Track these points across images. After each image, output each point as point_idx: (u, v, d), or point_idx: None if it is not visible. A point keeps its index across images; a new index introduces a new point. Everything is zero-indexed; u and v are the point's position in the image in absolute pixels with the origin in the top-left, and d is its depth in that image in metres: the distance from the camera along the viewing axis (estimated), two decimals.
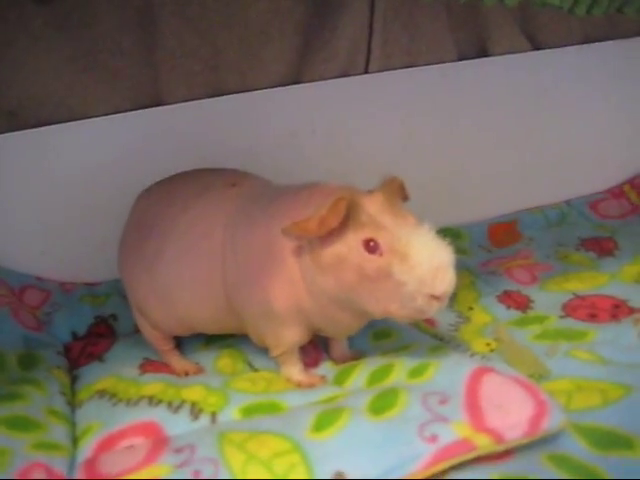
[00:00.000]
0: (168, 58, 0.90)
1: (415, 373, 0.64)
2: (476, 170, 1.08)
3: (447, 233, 1.02)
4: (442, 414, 0.57)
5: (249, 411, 0.62)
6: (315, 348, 0.75)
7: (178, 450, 0.56)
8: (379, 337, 0.75)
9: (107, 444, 0.59)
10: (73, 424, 0.63)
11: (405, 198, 0.64)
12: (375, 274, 0.59)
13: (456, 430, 0.55)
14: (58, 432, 0.60)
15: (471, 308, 0.86)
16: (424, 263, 0.58)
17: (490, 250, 1.03)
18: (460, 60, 1.03)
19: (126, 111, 0.89)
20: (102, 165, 0.90)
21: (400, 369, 0.65)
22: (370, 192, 0.62)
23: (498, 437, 0.55)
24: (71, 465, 0.57)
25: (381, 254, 0.59)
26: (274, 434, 0.57)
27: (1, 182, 0.86)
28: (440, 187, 1.06)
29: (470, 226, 1.07)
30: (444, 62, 1.02)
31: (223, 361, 0.73)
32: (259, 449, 0.55)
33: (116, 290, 0.88)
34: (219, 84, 0.93)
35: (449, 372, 0.62)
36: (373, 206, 0.61)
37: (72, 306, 0.85)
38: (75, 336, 0.81)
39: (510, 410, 0.57)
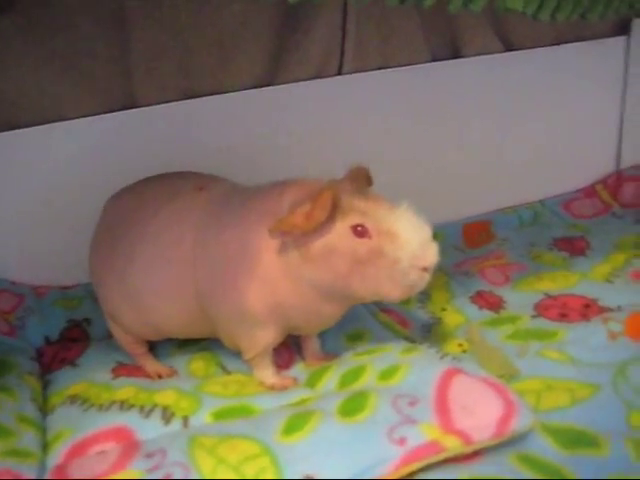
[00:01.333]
0: (141, 61, 0.90)
1: (386, 375, 0.64)
2: (450, 170, 1.08)
3: None
4: (411, 416, 0.58)
5: (221, 415, 0.62)
6: (287, 349, 0.75)
7: (149, 455, 0.56)
8: (352, 339, 0.76)
9: (78, 450, 0.59)
10: (44, 430, 0.63)
11: (369, 183, 0.66)
12: (367, 257, 0.61)
13: (425, 432, 0.56)
14: (28, 439, 0.60)
15: (444, 309, 0.87)
16: (414, 239, 0.62)
17: (464, 250, 1.04)
18: (433, 61, 1.04)
19: (99, 114, 0.88)
20: (75, 168, 0.89)
21: (371, 371, 0.66)
22: (337, 181, 0.64)
23: (467, 438, 0.56)
24: (40, 471, 0.57)
25: (370, 237, 0.61)
26: (244, 438, 0.57)
27: None
28: (415, 187, 1.04)
29: (445, 226, 1.08)
30: (417, 63, 1.02)
31: (196, 364, 0.73)
32: (229, 453, 0.55)
33: (89, 294, 0.88)
34: (192, 87, 0.92)
35: (419, 374, 0.63)
36: (345, 194, 0.63)
37: (45, 310, 0.84)
38: (48, 340, 0.81)
39: (479, 411, 0.58)
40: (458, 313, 0.85)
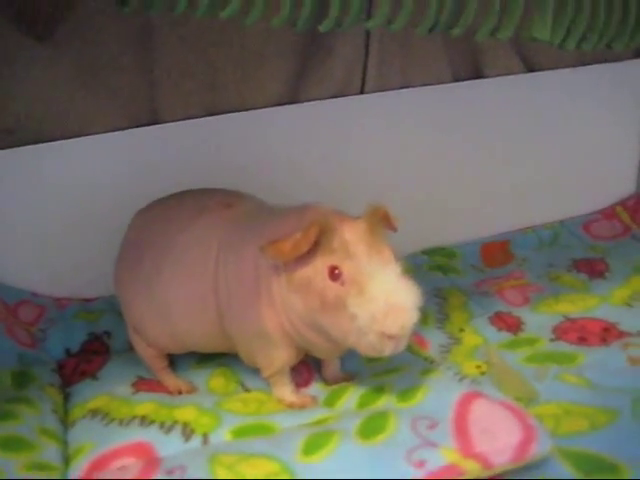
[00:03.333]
0: (165, 77, 0.91)
1: (405, 397, 0.65)
2: (470, 190, 1.08)
3: (440, 253, 1.06)
4: (431, 439, 0.58)
5: (241, 432, 0.63)
6: (307, 368, 0.75)
7: (169, 471, 0.56)
8: (372, 359, 0.76)
9: (99, 465, 0.59)
10: (65, 443, 0.63)
11: (391, 227, 0.64)
12: (333, 303, 0.59)
13: (444, 455, 0.56)
14: (50, 452, 0.60)
15: (462, 329, 0.87)
16: (379, 299, 0.58)
17: (483, 270, 1.04)
18: (455, 81, 1.04)
19: (123, 129, 0.90)
20: (98, 182, 0.90)
21: (390, 392, 0.66)
22: (355, 219, 0.63)
23: (486, 462, 0.56)
24: None
25: (342, 283, 0.60)
26: (264, 456, 0.57)
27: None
28: (434, 206, 1.07)
29: (463, 246, 1.08)
30: (439, 83, 1.03)
31: (216, 381, 0.73)
32: (249, 471, 0.55)
33: (111, 307, 0.89)
34: (215, 103, 0.93)
35: (438, 396, 0.63)
36: (351, 233, 0.61)
37: (66, 322, 0.85)
38: (68, 353, 0.81)
39: (498, 435, 0.58)
40: (476, 334, 0.85)
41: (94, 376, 0.74)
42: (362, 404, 0.66)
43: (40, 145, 0.87)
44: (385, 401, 0.65)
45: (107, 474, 0.58)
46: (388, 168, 1.02)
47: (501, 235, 1.11)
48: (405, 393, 0.65)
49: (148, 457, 0.59)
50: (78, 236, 0.91)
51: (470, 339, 0.84)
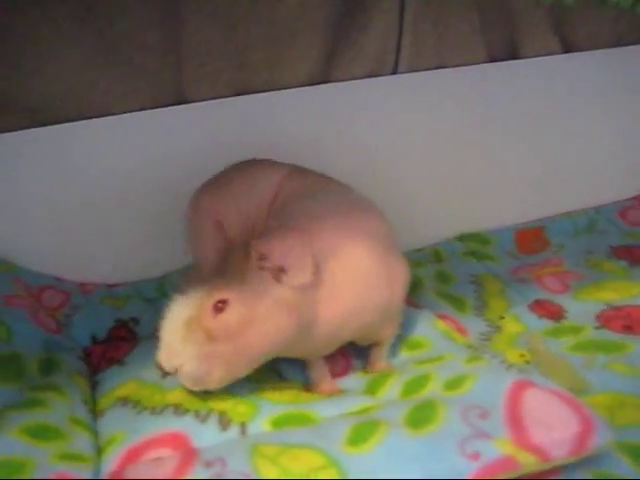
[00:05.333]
0: (192, 55, 0.87)
1: (452, 385, 0.61)
2: (504, 175, 1.05)
3: (474, 239, 1.02)
4: (483, 429, 0.55)
5: (280, 422, 0.59)
6: (344, 357, 0.72)
7: (208, 464, 0.53)
8: (411, 347, 0.73)
9: (133, 455, 0.56)
10: (96, 433, 0.60)
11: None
12: None
13: (499, 447, 0.53)
14: (82, 442, 0.57)
15: (502, 317, 0.83)
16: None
17: (518, 257, 1.00)
18: (490, 62, 1.01)
19: (149, 108, 0.86)
20: (123, 163, 0.87)
21: (436, 380, 0.63)
22: None
23: (543, 455, 0.53)
24: (96, 477, 0.54)
25: None
26: (307, 448, 0.54)
27: (20, 179, 0.83)
28: (467, 191, 1.03)
29: (496, 232, 1.05)
30: (474, 64, 0.99)
31: None
32: (293, 464, 0.52)
33: (137, 292, 0.86)
34: (244, 82, 0.90)
35: (488, 385, 0.60)
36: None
37: (92, 308, 0.82)
38: (95, 340, 0.78)
39: (554, 426, 0.55)
40: (517, 322, 0.82)
41: (121, 362, 0.71)
42: (406, 393, 0.63)
43: (63, 125, 0.83)
44: (431, 390, 0.62)
45: (142, 466, 0.54)
46: (421, 151, 0.99)
47: (536, 221, 1.07)
48: (452, 382, 0.62)
49: (184, 448, 0.56)
50: (101, 219, 0.88)
51: (511, 327, 0.81)
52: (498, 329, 0.81)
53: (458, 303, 0.86)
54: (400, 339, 0.73)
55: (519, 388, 0.58)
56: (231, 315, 0.56)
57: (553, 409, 0.56)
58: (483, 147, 1.03)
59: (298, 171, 0.75)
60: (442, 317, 0.79)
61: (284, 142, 0.90)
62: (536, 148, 1.06)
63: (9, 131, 0.82)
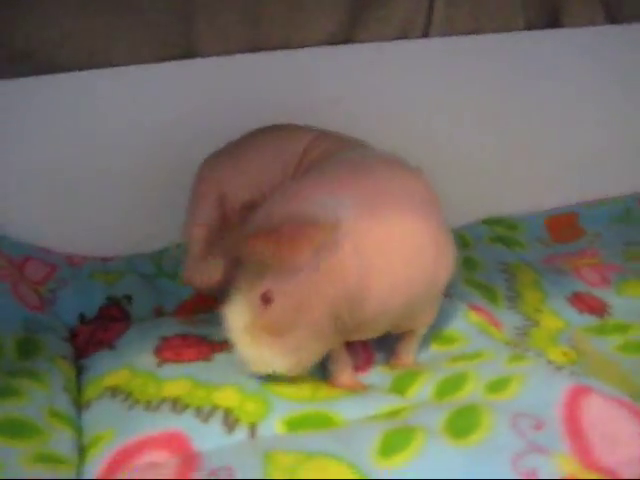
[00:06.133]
0: (204, 6, 0.78)
1: (495, 387, 0.53)
2: (535, 154, 0.96)
3: (502, 223, 0.94)
4: (538, 443, 0.46)
5: (296, 424, 0.51)
6: (365, 349, 0.63)
7: (213, 472, 0.45)
8: (442, 342, 0.64)
9: (123, 458, 0.47)
10: (79, 430, 0.52)
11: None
12: None
13: (559, 464, 0.44)
14: (61, 440, 0.48)
15: (539, 310, 0.75)
16: None
17: (549, 245, 0.92)
18: (528, 29, 0.92)
19: (154, 62, 0.77)
20: (121, 123, 0.78)
21: (475, 381, 0.54)
22: None
23: (611, 476, 0.44)
24: None
25: None
26: (332, 457, 0.46)
27: (6, 134, 0.74)
28: (495, 171, 0.95)
29: (525, 217, 0.96)
30: (511, 30, 0.90)
31: None
32: (316, 477, 0.43)
33: (132, 267, 0.77)
34: (259, 39, 0.81)
35: (539, 390, 0.51)
36: None
37: (81, 283, 0.73)
38: (83, 319, 0.69)
39: (622, 442, 0.46)
40: (555, 316, 0.73)
41: (111, 345, 0.62)
42: (440, 394, 0.54)
43: (58, 75, 0.74)
44: (469, 392, 0.53)
45: (133, 472, 0.46)
46: (448, 122, 0.90)
47: (567, 208, 0.98)
48: (495, 383, 0.53)
49: (184, 452, 0.48)
50: (95, 185, 0.79)
51: (549, 321, 0.73)
52: (535, 323, 0.72)
53: (489, 293, 0.77)
54: (429, 332, 0.64)
55: (577, 394, 0.49)
56: (280, 302, 0.51)
57: (619, 421, 0.48)
58: (514, 122, 0.94)
59: (325, 135, 0.66)
60: (475, 308, 0.70)
61: (300, 106, 0.81)
62: (571, 127, 0.97)
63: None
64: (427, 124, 0.88)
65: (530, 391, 0.51)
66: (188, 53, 0.79)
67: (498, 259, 0.85)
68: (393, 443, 0.46)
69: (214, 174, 0.66)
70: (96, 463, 0.47)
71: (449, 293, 0.72)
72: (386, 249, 0.52)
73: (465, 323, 0.66)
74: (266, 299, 0.51)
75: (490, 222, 0.94)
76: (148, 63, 0.76)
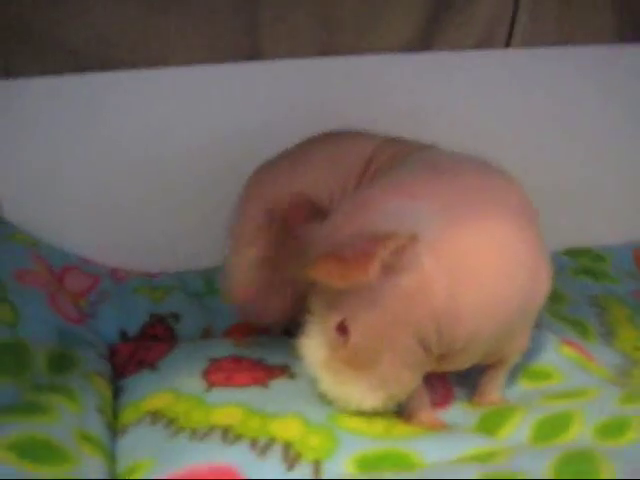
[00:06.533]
0: (271, 6, 0.72)
1: (608, 431, 0.44)
2: (624, 180, 0.87)
3: (586, 255, 0.85)
4: None
5: (368, 463, 0.42)
6: (444, 384, 0.55)
7: None
8: (534, 377, 0.55)
9: None
10: (112, 457, 0.44)
11: None
12: None
13: None
14: (91, 467, 0.41)
15: (638, 348, 0.65)
16: None
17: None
18: (621, 42, 0.84)
19: (215, 62, 0.71)
20: (177, 128, 0.72)
21: (582, 423, 0.45)
22: None
23: None
24: None
25: None
26: None
27: (52, 134, 0.68)
28: (580, 197, 0.86)
29: (612, 248, 0.87)
30: (602, 43, 0.82)
31: None
32: None
33: (181, 284, 0.70)
34: (329, 42, 0.75)
35: None
36: None
37: (124, 298, 0.66)
38: (124, 336, 0.62)
39: None
40: None
41: (154, 366, 0.55)
42: (540, 436, 0.46)
43: (109, 73, 0.68)
44: (576, 435, 0.45)
45: None
46: (528, 141, 0.82)
47: None
48: (607, 427, 0.45)
49: None
50: (145, 192, 0.73)
51: None
52: (636, 363, 0.63)
53: (580, 327, 0.68)
54: (516, 366, 0.55)
55: None
56: (359, 331, 0.44)
57: None
58: (602, 142, 0.85)
59: (393, 140, 0.59)
60: (567, 342, 0.61)
61: (370, 114, 0.73)
62: None
63: (46, 74, 0.67)
64: (505, 140, 0.79)
65: None
66: (252, 54, 0.72)
67: (584, 292, 0.76)
68: None
69: (262, 189, 0.59)
70: None
71: (537, 324, 0.63)
72: (476, 264, 0.44)
73: (559, 356, 0.57)
74: (342, 329, 0.45)
75: (572, 253, 0.85)
76: (209, 63, 0.70)
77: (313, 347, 0.46)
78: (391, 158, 0.55)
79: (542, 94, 0.81)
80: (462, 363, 0.48)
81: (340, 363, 0.45)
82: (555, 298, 0.74)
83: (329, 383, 0.45)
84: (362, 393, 0.45)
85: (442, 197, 0.45)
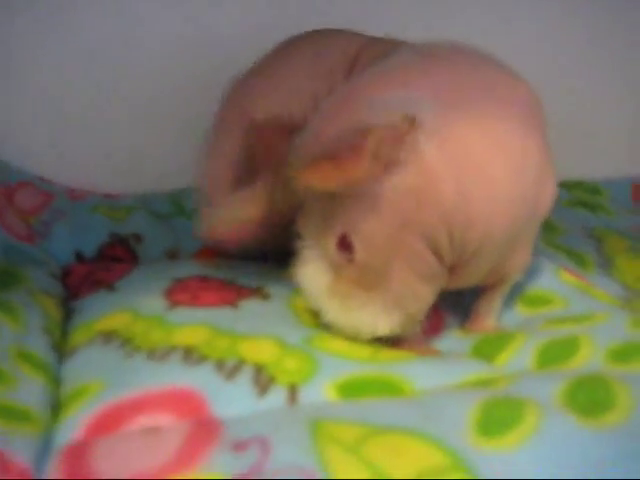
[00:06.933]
0: None
1: (621, 355, 0.39)
2: (622, 114, 0.83)
3: (581, 187, 0.80)
4: None
5: (352, 388, 0.37)
6: (435, 310, 0.49)
7: (239, 446, 0.31)
8: (532, 302, 0.50)
9: (111, 420, 0.33)
10: (57, 380, 0.38)
11: None
12: None
13: None
14: (29, 390, 0.35)
15: None
16: None
17: (638, 213, 0.77)
18: None
19: None
20: (148, 30, 0.66)
21: (592, 347, 0.41)
22: None
23: None
24: (44, 450, 0.32)
25: None
26: (411, 434, 0.32)
27: (9, 40, 0.61)
28: (576, 130, 0.81)
29: (609, 182, 0.82)
30: None
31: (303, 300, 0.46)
32: (392, 460, 0.30)
33: (144, 204, 0.64)
34: None
35: None
36: None
37: (81, 217, 0.60)
38: (80, 257, 0.56)
39: None
40: None
41: (111, 286, 0.49)
42: (546, 361, 0.41)
43: None
44: (587, 359, 0.40)
45: (125, 439, 0.32)
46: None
47: None
48: (620, 351, 0.40)
49: (198, 416, 0.34)
50: (109, 107, 0.67)
51: None
52: (638, 294, 0.58)
53: (576, 257, 0.63)
54: (512, 292, 0.50)
55: None
56: (364, 244, 0.39)
57: None
58: (597, 74, 0.81)
59: (382, 39, 0.53)
60: (566, 269, 0.55)
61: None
62: None
63: None
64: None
65: None
66: None
67: (581, 224, 0.72)
68: (497, 418, 0.32)
69: (239, 98, 0.53)
70: (74, 423, 0.33)
71: (533, 251, 0.58)
72: (483, 157, 0.39)
73: (559, 282, 0.52)
74: (345, 246, 0.39)
75: (568, 186, 0.80)
76: None
77: (313, 274, 0.41)
78: (380, 55, 0.49)
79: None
80: (471, 276, 0.42)
81: (347, 285, 0.39)
82: (550, 228, 0.69)
83: (337, 310, 0.40)
84: (375, 316, 0.40)
85: (440, 86, 0.40)
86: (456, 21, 0.71)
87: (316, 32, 0.55)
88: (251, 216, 0.46)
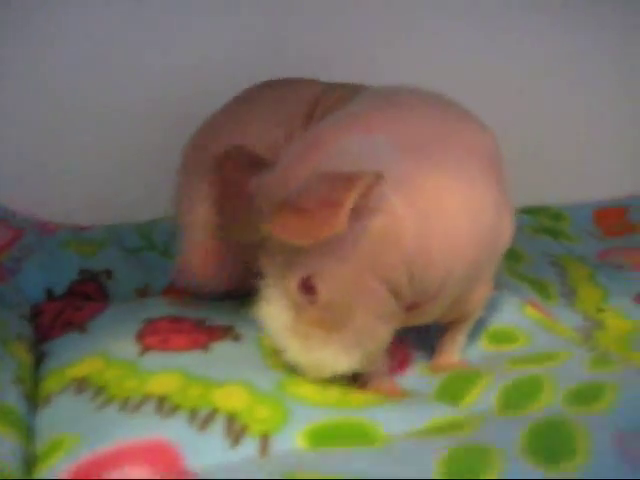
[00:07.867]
0: None
1: (582, 397, 0.41)
2: (582, 138, 0.85)
3: (545, 213, 0.82)
4: None
5: (323, 436, 0.38)
6: (401, 347, 0.50)
7: None
8: (497, 339, 0.52)
9: (87, 474, 0.34)
10: (30, 433, 0.38)
11: None
12: None
13: None
14: (3, 445, 0.35)
15: (601, 310, 0.62)
16: None
17: (602, 238, 0.80)
18: None
19: None
20: (122, 64, 0.66)
21: (553, 389, 0.42)
22: None
23: None
24: None
25: None
26: None
27: None
28: (540, 156, 0.83)
29: (572, 207, 0.84)
30: None
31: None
32: None
33: (115, 237, 0.64)
34: None
35: None
36: None
37: (51, 252, 0.60)
38: (50, 295, 0.57)
39: None
40: (622, 317, 0.61)
41: (82, 328, 0.49)
42: (509, 404, 0.42)
43: None
44: (548, 402, 0.41)
45: None
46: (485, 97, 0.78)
47: (618, 201, 0.86)
48: (581, 392, 0.41)
49: (172, 468, 0.35)
50: (81, 141, 0.66)
51: (616, 323, 0.61)
52: (598, 324, 0.60)
53: (540, 287, 0.65)
54: (480, 329, 0.52)
55: None
56: (326, 287, 0.40)
57: None
58: (560, 99, 0.83)
59: (341, 84, 0.54)
60: (530, 303, 0.57)
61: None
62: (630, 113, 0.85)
63: None
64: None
65: (630, 403, 0.39)
66: None
67: (544, 250, 0.73)
68: (462, 468, 0.34)
69: (206, 140, 0.55)
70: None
71: (497, 285, 0.59)
72: (444, 202, 0.41)
73: (522, 317, 0.54)
74: (307, 288, 0.40)
75: (532, 211, 0.82)
76: None
77: (275, 313, 0.41)
78: (339, 100, 0.50)
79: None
80: (433, 312, 0.44)
81: (308, 326, 0.40)
82: (514, 257, 0.71)
83: (298, 350, 0.41)
84: (336, 356, 0.40)
85: (401, 130, 0.41)
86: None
87: (275, 81, 0.57)
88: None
